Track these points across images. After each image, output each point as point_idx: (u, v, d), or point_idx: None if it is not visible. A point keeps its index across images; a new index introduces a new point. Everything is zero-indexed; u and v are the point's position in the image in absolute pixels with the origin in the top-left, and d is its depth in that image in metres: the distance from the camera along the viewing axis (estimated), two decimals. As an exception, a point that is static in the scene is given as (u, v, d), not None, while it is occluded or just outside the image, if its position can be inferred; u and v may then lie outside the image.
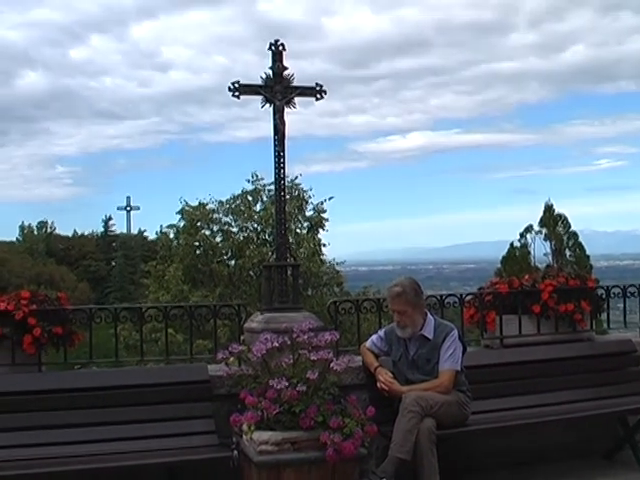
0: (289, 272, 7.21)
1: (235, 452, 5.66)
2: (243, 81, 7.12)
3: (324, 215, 31.02)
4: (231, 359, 6.07)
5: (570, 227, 27.67)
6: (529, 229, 27.61)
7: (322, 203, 30.96)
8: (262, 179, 29.97)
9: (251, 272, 28.95)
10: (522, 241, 27.48)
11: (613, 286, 8.09)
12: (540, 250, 27.36)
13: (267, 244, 28.57)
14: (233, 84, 7.07)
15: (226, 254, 30.81)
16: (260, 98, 7.15)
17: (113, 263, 67.23)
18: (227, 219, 30.73)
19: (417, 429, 5.70)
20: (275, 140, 7.15)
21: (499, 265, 26.76)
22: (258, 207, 30.48)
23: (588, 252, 27.68)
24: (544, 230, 27.50)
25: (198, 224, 30.26)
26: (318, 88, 7.33)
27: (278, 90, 7.12)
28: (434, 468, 5.68)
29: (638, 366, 7.41)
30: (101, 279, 64.89)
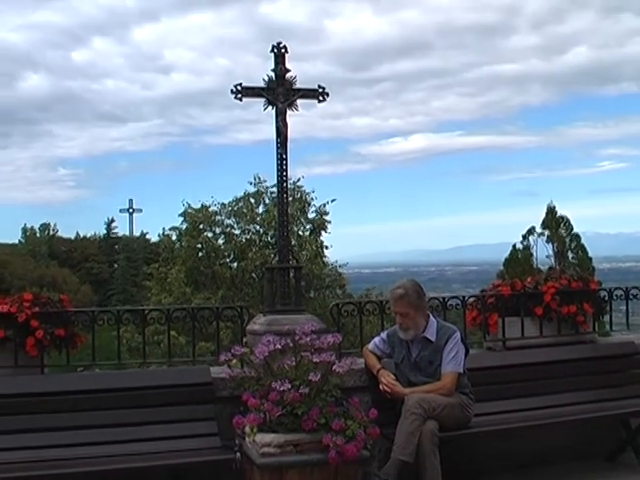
0: (291, 274, 7.21)
1: (238, 454, 5.66)
2: (245, 83, 7.13)
3: (326, 217, 31.04)
4: (233, 361, 6.08)
5: (572, 229, 27.65)
6: (531, 231, 27.59)
7: (324, 205, 30.98)
8: (264, 181, 30.04)
9: (253, 274, 28.97)
10: (524, 243, 27.46)
11: (615, 288, 8.09)
12: (542, 252, 27.34)
13: (269, 246, 28.55)
14: (236, 86, 7.08)
15: (228, 256, 30.81)
16: (262, 100, 7.16)
17: (115, 265, 67.22)
18: (229, 221, 30.77)
19: (419, 431, 5.70)
20: (277, 142, 7.15)
21: (501, 267, 26.72)
22: (260, 209, 30.51)
23: (590, 254, 27.63)
24: (546, 232, 27.48)
25: (200, 226, 30.27)
26: (320, 90, 7.33)
27: (280, 92, 7.12)
28: (437, 470, 5.68)
29: (640, 368, 7.41)
30: (103, 281, 64.91)
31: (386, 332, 6.54)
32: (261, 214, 30.19)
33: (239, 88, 7.09)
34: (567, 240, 27.34)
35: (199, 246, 30.43)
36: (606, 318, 8.24)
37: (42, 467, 5.49)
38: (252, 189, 30.67)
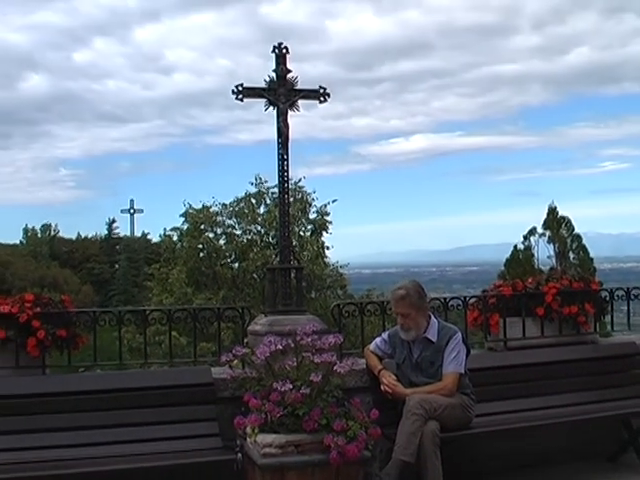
0: (293, 275, 7.20)
1: (239, 455, 5.66)
2: (246, 84, 7.13)
3: (327, 218, 31.10)
4: (235, 362, 6.08)
5: (574, 229, 27.66)
6: (533, 231, 27.60)
7: (325, 206, 31.03)
8: (266, 182, 30.08)
9: (255, 275, 29.00)
10: (526, 243, 27.48)
11: (617, 288, 8.09)
12: (544, 253, 27.36)
13: (271, 247, 28.55)
14: (237, 87, 7.08)
15: (230, 257, 30.85)
16: (264, 101, 7.15)
17: (117, 266, 67.25)
18: (231, 222, 30.81)
19: (421, 432, 5.70)
20: (279, 143, 7.15)
21: (502, 268, 26.73)
22: (262, 210, 30.55)
23: (592, 254, 27.64)
24: (548, 232, 27.49)
25: (202, 227, 30.30)
26: (322, 91, 7.32)
27: (282, 93, 7.12)
28: (438, 471, 5.68)
29: (642, 368, 7.41)
30: (105, 282, 64.93)
31: (387, 333, 6.54)
32: (262, 214, 30.22)
33: (240, 89, 7.09)
34: (568, 240, 27.35)
35: (200, 246, 30.46)
36: (607, 318, 8.24)
37: (44, 467, 5.49)
38: (253, 189, 30.77)
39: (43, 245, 68.61)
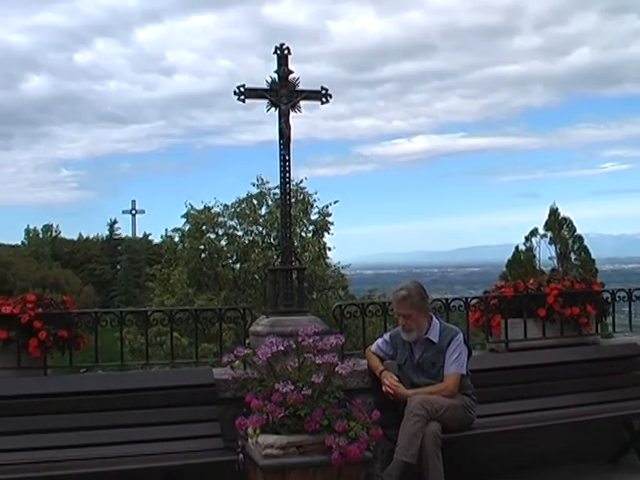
0: (294, 276, 7.21)
1: (240, 456, 5.66)
2: (248, 85, 7.13)
3: (329, 219, 31.13)
4: (236, 362, 6.08)
5: (575, 231, 27.69)
6: (534, 233, 27.64)
7: (327, 207, 31.05)
8: (267, 183, 30.08)
9: (256, 275, 29.02)
10: (527, 245, 27.53)
11: (618, 290, 8.09)
12: (545, 254, 27.41)
13: (272, 248, 28.56)
14: (239, 88, 7.08)
15: (231, 257, 30.86)
16: (265, 102, 7.16)
17: (118, 267, 67.31)
18: (232, 223, 30.80)
19: (422, 433, 5.70)
20: (280, 144, 7.15)
21: (504, 269, 26.75)
22: (263, 211, 30.57)
23: (593, 256, 27.67)
24: (549, 234, 27.52)
25: (203, 228, 30.31)
26: (324, 92, 7.33)
27: (284, 94, 7.12)
28: (439, 472, 5.68)
29: (644, 370, 7.41)
30: (106, 282, 64.98)
31: (389, 333, 6.54)
32: (264, 215, 30.23)
33: (242, 89, 7.09)
34: (570, 242, 27.38)
35: (202, 247, 30.47)
36: (609, 320, 8.23)
37: (45, 468, 5.49)
38: (255, 190, 30.76)
39: (45, 246, 68.69)
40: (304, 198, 30.32)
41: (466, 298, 7.69)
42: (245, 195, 30.87)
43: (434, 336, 6.20)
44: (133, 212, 75.92)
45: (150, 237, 68.18)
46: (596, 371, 7.27)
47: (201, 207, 30.60)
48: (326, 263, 30.49)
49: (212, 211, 30.51)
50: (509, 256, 27.30)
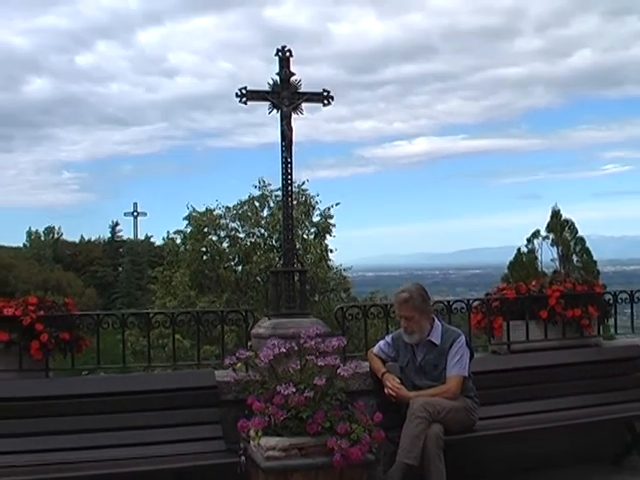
0: (296, 278, 7.20)
1: (242, 458, 5.66)
2: (250, 87, 7.13)
3: (331, 221, 31.11)
4: (238, 365, 6.08)
5: (577, 232, 27.63)
6: (536, 234, 27.58)
7: (329, 209, 31.04)
8: (269, 185, 30.06)
9: (258, 278, 28.99)
10: (529, 246, 27.45)
11: (620, 291, 8.09)
12: (547, 255, 27.34)
13: (274, 250, 28.57)
14: (240, 90, 7.08)
15: (233, 260, 30.84)
16: (267, 104, 7.16)
17: (120, 269, 67.26)
18: (234, 225, 30.78)
19: (425, 435, 5.70)
20: (282, 146, 7.15)
21: (506, 271, 26.72)
22: (265, 213, 30.55)
23: (595, 257, 27.62)
24: (551, 235, 27.46)
25: (205, 230, 30.29)
26: (325, 94, 7.32)
27: (285, 96, 7.12)
28: (442, 474, 5.68)
29: (646, 371, 7.40)
30: (108, 285, 64.94)
31: (391, 336, 6.54)
32: (266, 217, 30.22)
33: (244, 92, 7.09)
34: (572, 243, 27.33)
35: (204, 249, 30.46)
36: (611, 321, 8.24)
37: (47, 470, 5.49)
38: (257, 192, 30.74)
39: (46, 248, 68.66)
40: (306, 200, 30.31)
41: (468, 300, 7.70)
42: (247, 197, 30.88)
43: (436, 338, 6.20)
44: (135, 214, 75.76)
45: (152, 239, 68.14)
46: (598, 373, 7.26)
47: (203, 209, 30.60)
48: (328, 265, 30.46)
49: (214, 213, 30.48)
50: (511, 258, 27.25)
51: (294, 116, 7.16)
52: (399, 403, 6.11)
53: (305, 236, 30.28)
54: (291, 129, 7.12)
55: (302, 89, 7.21)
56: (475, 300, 7.81)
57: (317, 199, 30.85)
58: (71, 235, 77.13)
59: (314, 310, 20.53)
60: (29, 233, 73.24)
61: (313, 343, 5.91)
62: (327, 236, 30.98)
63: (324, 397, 5.67)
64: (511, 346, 7.55)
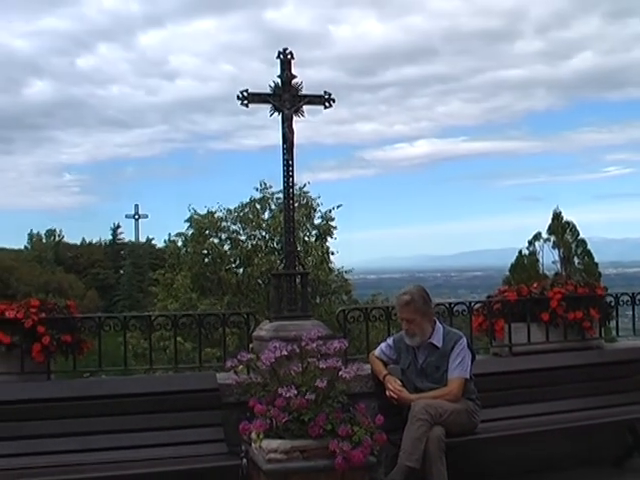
0: (298, 280, 7.21)
1: (244, 460, 5.67)
2: (251, 90, 7.14)
3: (332, 223, 31.04)
4: (240, 367, 6.08)
5: (578, 234, 27.67)
6: (537, 237, 27.61)
7: (330, 211, 30.99)
8: (270, 187, 30.03)
9: (259, 280, 28.94)
10: (530, 249, 27.48)
11: (622, 294, 8.09)
12: (548, 258, 27.37)
13: (275, 252, 28.57)
14: (242, 92, 7.09)
15: (234, 262, 30.81)
16: (269, 106, 7.17)
17: (121, 271, 67.35)
18: (235, 227, 30.74)
19: (426, 437, 5.70)
20: (284, 148, 7.16)
21: (507, 273, 26.73)
22: (266, 215, 30.49)
23: (597, 259, 27.66)
24: (552, 238, 27.50)
25: (206, 232, 30.26)
26: (327, 96, 7.34)
27: (287, 99, 7.13)
28: (443, 476, 5.68)
29: (647, 374, 7.40)
30: (109, 287, 65.01)
31: (392, 338, 6.54)
32: (267, 220, 30.18)
33: (245, 94, 7.10)
34: (573, 246, 27.36)
35: (205, 252, 30.44)
36: (612, 324, 8.24)
37: (48, 473, 5.48)
38: (258, 195, 30.71)
39: (48, 250, 68.72)
40: (307, 202, 30.28)
41: (469, 302, 7.69)
42: (248, 200, 30.83)
43: (437, 340, 6.20)
44: (136, 217, 75.67)
45: (153, 242, 68.19)
46: (599, 375, 7.26)
47: (204, 212, 30.58)
48: (329, 268, 30.41)
49: (215, 216, 30.44)
50: (512, 260, 27.28)
51: (295, 118, 7.19)
52: (401, 405, 6.11)
53: (306, 238, 30.24)
54: (292, 131, 7.13)
55: (303, 91, 7.22)
56: (476, 302, 7.81)
57: (318, 201, 30.85)
58: (72, 237, 77.35)
59: (315, 312, 20.51)
60: (30, 235, 73.38)
61: (315, 345, 5.91)
62: (328, 238, 30.95)
63: (326, 399, 5.66)
64: (512, 348, 7.55)
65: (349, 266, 33.01)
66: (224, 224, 30.63)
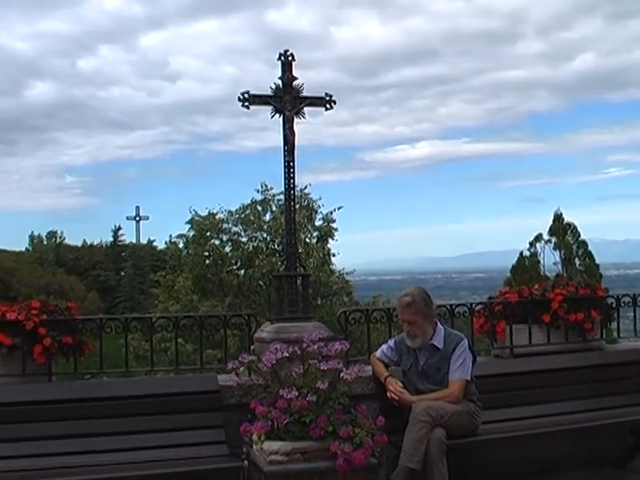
0: (299, 282, 7.21)
1: (245, 462, 5.66)
2: (252, 91, 7.14)
3: (333, 225, 31.06)
4: (241, 369, 6.07)
5: (580, 236, 27.66)
6: (538, 238, 27.60)
7: (331, 213, 31.00)
8: (271, 189, 30.05)
9: (260, 282, 28.96)
10: (532, 250, 27.47)
11: (623, 295, 8.09)
12: (550, 259, 27.36)
13: (277, 254, 28.57)
14: (243, 94, 7.09)
15: (235, 264, 30.83)
16: (270, 108, 7.16)
17: (122, 273, 67.33)
18: (236, 229, 30.77)
19: (427, 439, 5.69)
20: (285, 150, 7.16)
21: (508, 274, 26.72)
22: (267, 217, 30.52)
23: (598, 261, 27.65)
24: (554, 239, 27.49)
25: (207, 234, 30.28)
26: (328, 98, 7.34)
27: (288, 100, 7.13)
28: (444, 478, 5.67)
29: (648, 375, 7.39)
30: (110, 289, 65.02)
31: (394, 340, 6.54)
32: (268, 222, 30.20)
33: (247, 96, 7.10)
34: (574, 247, 27.35)
35: (206, 254, 30.47)
36: (614, 325, 8.23)
37: (49, 475, 5.49)
38: (259, 196, 30.73)
39: (49, 252, 68.75)
40: (308, 204, 30.30)
41: (470, 304, 7.69)
42: (249, 201, 30.86)
43: (439, 342, 6.19)
44: (137, 218, 75.73)
45: (154, 243, 68.10)
46: (601, 377, 7.25)
47: (205, 213, 30.60)
48: (330, 269, 30.43)
49: (216, 217, 30.46)
50: (513, 262, 27.26)
51: (296, 120, 7.18)
52: (402, 407, 6.10)
53: (307, 240, 30.26)
54: (293, 133, 7.13)
55: (304, 93, 7.22)
56: (478, 304, 7.81)
57: (319, 203, 30.89)
58: (74, 239, 77.35)
59: (317, 314, 20.47)
60: (32, 237, 73.40)
61: (316, 347, 5.90)
62: (330, 240, 30.97)
63: (327, 401, 5.66)
64: (514, 350, 7.56)
65: (350, 267, 33.06)
66: (225, 226, 30.67)
